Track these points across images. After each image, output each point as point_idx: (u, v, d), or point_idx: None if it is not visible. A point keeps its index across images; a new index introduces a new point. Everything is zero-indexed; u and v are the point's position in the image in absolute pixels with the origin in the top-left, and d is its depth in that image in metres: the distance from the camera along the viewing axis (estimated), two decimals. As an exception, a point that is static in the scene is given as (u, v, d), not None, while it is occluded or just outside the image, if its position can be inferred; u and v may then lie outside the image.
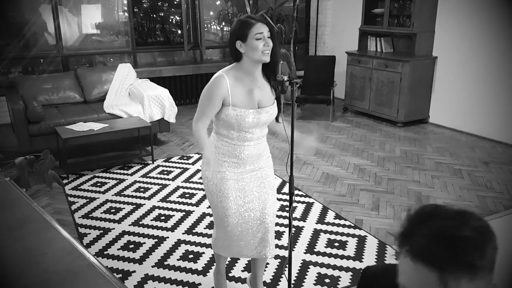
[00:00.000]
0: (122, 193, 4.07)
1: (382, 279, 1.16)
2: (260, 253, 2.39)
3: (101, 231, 3.40)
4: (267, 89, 2.22)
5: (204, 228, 3.44)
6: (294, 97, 2.10)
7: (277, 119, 2.32)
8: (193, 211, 3.72)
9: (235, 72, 2.16)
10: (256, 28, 2.08)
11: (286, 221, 3.50)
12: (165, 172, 4.54)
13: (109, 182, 4.31)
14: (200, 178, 4.37)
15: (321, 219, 3.57)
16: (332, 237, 3.31)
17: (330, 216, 3.61)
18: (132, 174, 4.51)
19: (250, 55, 2.10)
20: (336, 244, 3.21)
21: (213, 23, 7.86)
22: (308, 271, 2.89)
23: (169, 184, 4.25)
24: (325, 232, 3.38)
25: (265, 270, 2.86)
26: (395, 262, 0.95)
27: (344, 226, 3.46)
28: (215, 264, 2.62)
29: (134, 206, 3.82)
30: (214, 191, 2.26)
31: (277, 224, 3.47)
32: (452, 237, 0.82)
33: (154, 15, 7.42)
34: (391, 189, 4.12)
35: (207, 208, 3.76)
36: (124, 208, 3.78)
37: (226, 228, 2.31)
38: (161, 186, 4.22)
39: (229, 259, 2.97)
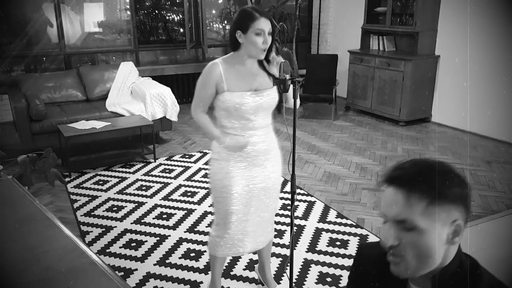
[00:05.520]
0: (124, 191, 4.07)
1: (377, 249, 1.17)
2: (259, 244, 2.38)
3: (103, 229, 3.41)
4: (265, 78, 2.19)
5: (206, 227, 3.44)
6: (296, 95, 2.10)
7: (279, 109, 2.28)
8: (195, 209, 3.72)
9: (230, 60, 2.17)
10: (259, 23, 2.05)
11: (287, 220, 3.50)
12: (167, 171, 4.54)
13: (111, 180, 4.32)
14: (202, 176, 4.38)
15: (322, 218, 3.56)
16: (334, 236, 3.31)
17: (331, 215, 3.61)
18: (134, 173, 4.51)
19: (248, 48, 2.10)
20: (338, 243, 3.21)
21: (215, 21, 7.85)
22: (309, 270, 2.89)
23: (171, 183, 4.26)
24: (327, 231, 3.38)
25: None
26: None
27: (345, 225, 3.46)
28: (209, 273, 2.55)
29: (136, 204, 3.83)
30: (218, 187, 2.23)
31: (278, 223, 3.47)
32: (422, 164, 1.01)
33: (156, 13, 7.41)
34: (393, 188, 4.10)
35: (209, 206, 3.76)
36: (126, 206, 3.79)
37: (226, 225, 2.28)
38: (163, 184, 4.22)
39: (228, 260, 2.96)
